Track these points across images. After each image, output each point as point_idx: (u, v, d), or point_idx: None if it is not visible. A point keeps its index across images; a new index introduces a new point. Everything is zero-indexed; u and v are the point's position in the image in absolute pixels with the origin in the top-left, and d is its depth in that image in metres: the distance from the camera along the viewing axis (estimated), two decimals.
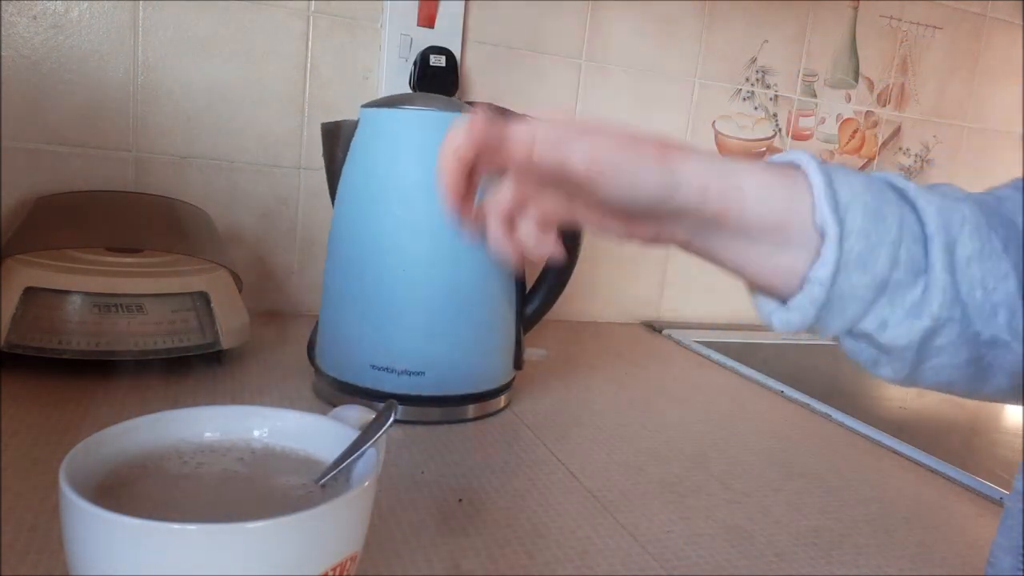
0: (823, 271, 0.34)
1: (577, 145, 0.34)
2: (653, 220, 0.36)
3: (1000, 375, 0.37)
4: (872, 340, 0.36)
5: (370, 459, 0.34)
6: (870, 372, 0.38)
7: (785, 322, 0.37)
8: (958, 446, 0.75)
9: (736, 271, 0.38)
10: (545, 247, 0.38)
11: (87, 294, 0.61)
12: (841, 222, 0.34)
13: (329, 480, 0.34)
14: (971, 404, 0.90)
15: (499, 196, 0.37)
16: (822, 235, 0.34)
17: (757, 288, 0.38)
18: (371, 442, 0.35)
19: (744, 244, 0.36)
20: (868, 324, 0.36)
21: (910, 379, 0.38)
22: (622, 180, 0.34)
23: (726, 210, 0.35)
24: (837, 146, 1.23)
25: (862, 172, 0.37)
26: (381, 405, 0.58)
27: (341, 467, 0.34)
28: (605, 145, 0.34)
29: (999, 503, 0.60)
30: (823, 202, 0.34)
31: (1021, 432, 0.81)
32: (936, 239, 0.35)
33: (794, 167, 0.36)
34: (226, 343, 0.66)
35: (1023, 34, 1.31)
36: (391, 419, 0.36)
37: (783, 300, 0.37)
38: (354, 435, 0.36)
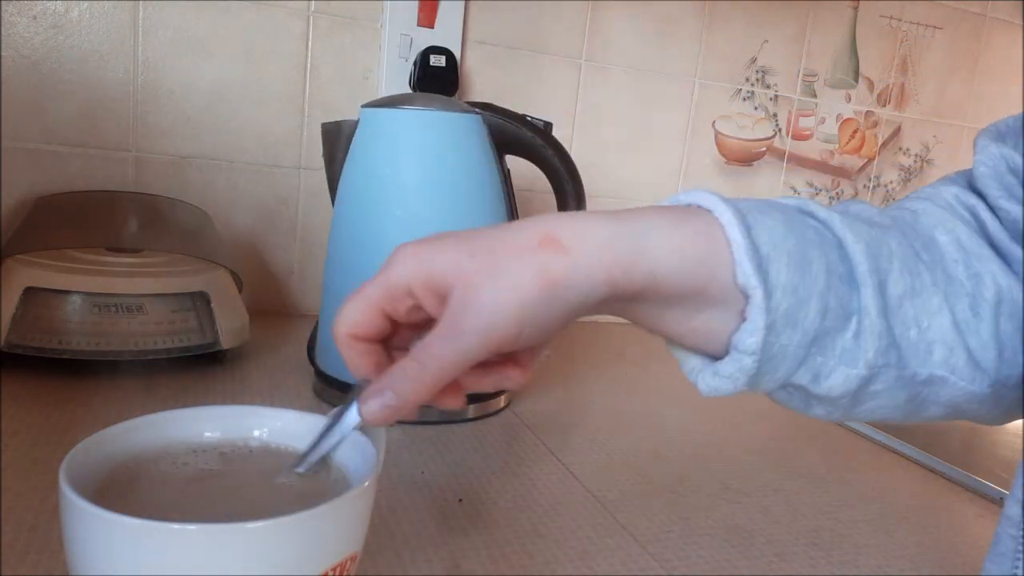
0: (753, 340, 0.31)
1: (472, 341, 0.30)
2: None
3: (934, 408, 0.36)
4: (806, 391, 0.35)
5: (370, 459, 0.34)
6: (801, 413, 0.37)
7: (713, 389, 0.34)
8: (958, 446, 0.75)
9: (652, 332, 0.35)
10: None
11: (87, 294, 0.61)
12: (765, 280, 0.31)
13: (311, 468, 0.34)
14: None
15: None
16: (745, 295, 0.31)
17: (676, 344, 0.36)
18: (339, 425, 0.35)
19: (659, 310, 0.33)
20: (801, 378, 0.34)
21: (843, 419, 0.37)
22: (528, 338, 0.31)
23: (639, 292, 0.32)
24: (837, 146, 1.23)
25: (778, 205, 0.34)
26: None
27: (319, 452, 0.34)
28: (494, 318, 0.30)
29: (999, 503, 0.60)
30: (744, 258, 0.31)
31: (1021, 432, 0.81)
32: (868, 281, 0.33)
33: (702, 210, 0.33)
34: (226, 343, 0.66)
35: (1023, 34, 1.31)
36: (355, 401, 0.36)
37: (707, 355, 0.34)
38: (356, 435, 0.36)
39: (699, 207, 0.33)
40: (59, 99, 0.79)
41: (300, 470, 0.34)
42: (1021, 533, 0.32)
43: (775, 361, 0.32)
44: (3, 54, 0.76)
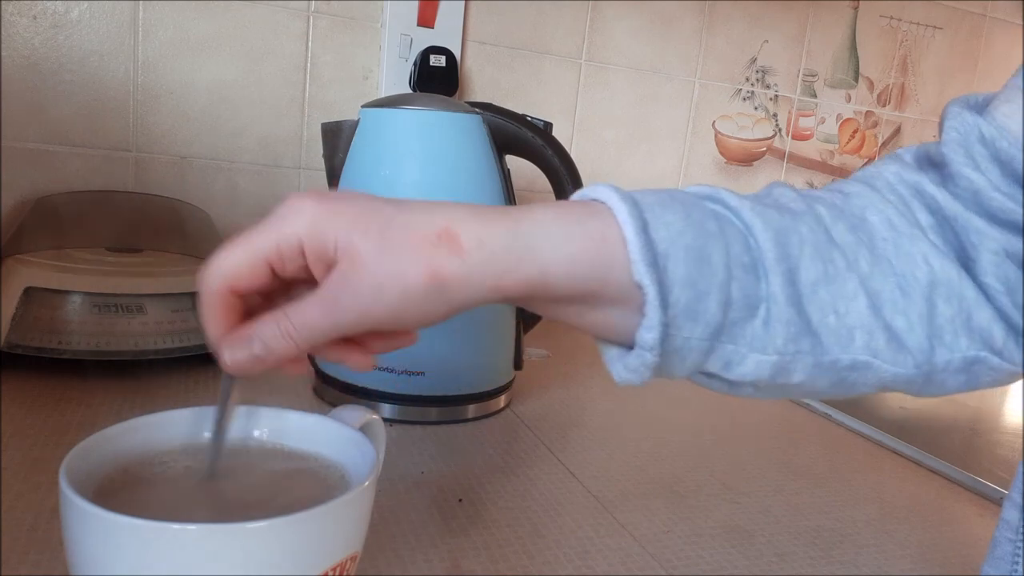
0: (651, 336, 0.31)
1: (348, 319, 0.30)
2: None
3: (865, 387, 0.36)
4: (720, 378, 0.35)
5: (370, 459, 0.34)
6: (727, 394, 0.37)
7: (625, 380, 0.34)
8: (958, 446, 0.75)
9: (558, 321, 0.35)
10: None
11: (87, 294, 0.61)
12: (661, 279, 0.31)
13: (214, 464, 0.34)
14: (971, 404, 0.90)
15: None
16: (642, 292, 0.31)
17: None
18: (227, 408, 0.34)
19: (553, 307, 0.33)
20: (712, 366, 0.34)
21: (773, 398, 0.37)
22: (402, 321, 0.31)
23: (527, 296, 0.32)
24: (837, 146, 1.23)
25: (681, 196, 0.34)
26: (381, 405, 0.58)
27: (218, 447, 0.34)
28: (374, 302, 0.30)
29: (999, 503, 0.60)
30: (639, 257, 0.31)
31: (1021, 432, 0.81)
32: (777, 269, 0.33)
33: (603, 206, 0.33)
34: None
35: (1023, 34, 1.31)
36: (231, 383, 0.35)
37: (620, 345, 0.34)
38: (355, 435, 0.36)
39: (599, 203, 0.33)
40: (59, 99, 0.79)
41: (209, 468, 0.34)
42: (1019, 537, 0.32)
43: (681, 353, 0.33)
44: (3, 54, 0.76)
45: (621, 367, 0.34)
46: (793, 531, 0.52)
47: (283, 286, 0.33)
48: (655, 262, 0.31)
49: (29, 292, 0.60)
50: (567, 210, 0.33)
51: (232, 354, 0.31)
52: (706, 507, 0.53)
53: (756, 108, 1.15)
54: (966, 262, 0.36)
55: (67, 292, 0.61)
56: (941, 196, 0.37)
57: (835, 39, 1.18)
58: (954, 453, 0.68)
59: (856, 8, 1.18)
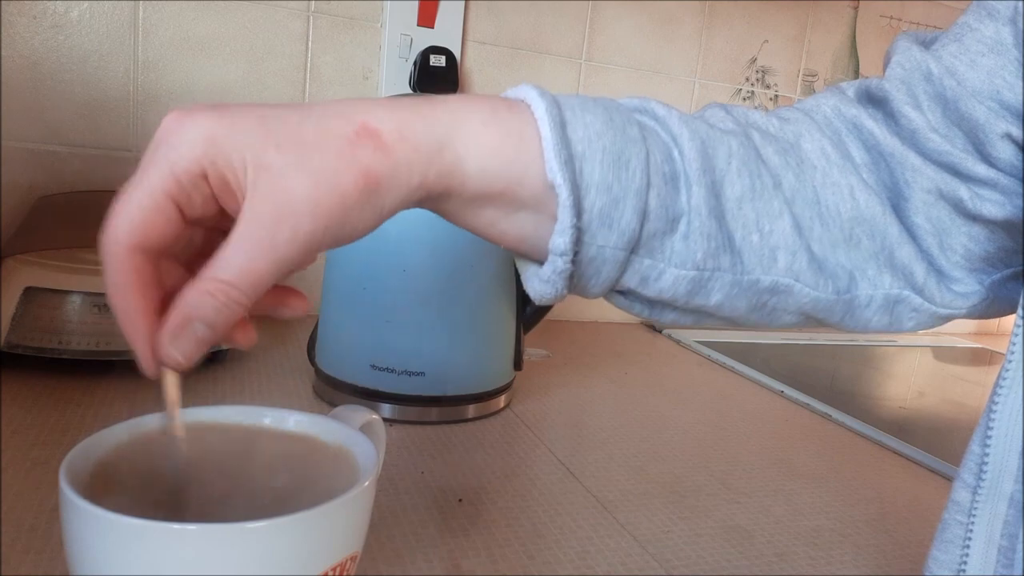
0: (562, 240, 0.30)
1: (291, 250, 0.27)
2: None
3: (786, 315, 0.36)
4: (638, 295, 0.34)
5: (370, 459, 0.34)
6: (650, 319, 0.36)
7: (539, 294, 0.33)
8: (958, 446, 0.75)
9: (473, 232, 0.33)
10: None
11: (87, 294, 0.61)
12: (575, 180, 0.30)
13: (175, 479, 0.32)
14: (971, 404, 0.90)
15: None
16: (555, 193, 0.30)
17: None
18: None
19: (467, 210, 0.31)
20: (629, 281, 0.33)
21: (695, 324, 0.36)
22: (339, 239, 0.28)
23: (445, 191, 0.30)
24: None
25: (605, 102, 0.33)
26: (381, 405, 0.58)
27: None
28: (315, 221, 0.27)
29: None
30: (553, 155, 0.29)
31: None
32: (700, 181, 0.32)
33: (523, 104, 0.31)
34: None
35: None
36: None
37: (539, 262, 0.33)
38: (356, 435, 0.36)
39: (521, 101, 0.32)
40: (59, 99, 0.79)
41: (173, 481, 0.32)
42: (970, 520, 0.31)
43: (595, 263, 0.32)
44: (3, 54, 0.76)
45: (536, 280, 0.33)
46: (793, 531, 0.52)
47: (197, 256, 0.29)
48: (570, 161, 0.30)
49: (29, 292, 0.60)
50: (485, 103, 0.31)
51: (179, 349, 0.27)
52: (706, 507, 0.53)
53: (756, 108, 1.15)
54: (898, 200, 0.36)
55: (67, 292, 0.61)
56: (879, 131, 0.37)
57: (835, 39, 1.18)
58: (954, 453, 0.68)
59: (856, 8, 1.18)
